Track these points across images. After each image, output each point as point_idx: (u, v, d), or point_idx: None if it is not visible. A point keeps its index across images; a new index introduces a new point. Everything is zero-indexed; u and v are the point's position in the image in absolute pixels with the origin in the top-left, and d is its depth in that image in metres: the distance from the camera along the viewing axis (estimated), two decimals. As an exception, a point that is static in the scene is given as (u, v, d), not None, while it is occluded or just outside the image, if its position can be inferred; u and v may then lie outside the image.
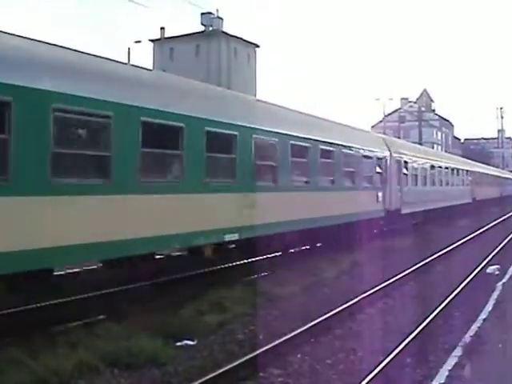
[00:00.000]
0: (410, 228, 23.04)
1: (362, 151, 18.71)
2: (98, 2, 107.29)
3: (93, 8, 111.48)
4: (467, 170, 39.27)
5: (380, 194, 20.19)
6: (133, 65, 11.76)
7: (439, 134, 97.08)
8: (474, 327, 8.84)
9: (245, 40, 64.16)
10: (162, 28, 60.85)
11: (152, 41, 62.64)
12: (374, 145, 20.71)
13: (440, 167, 30.54)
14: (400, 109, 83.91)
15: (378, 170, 20.12)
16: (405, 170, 23.38)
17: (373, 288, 11.77)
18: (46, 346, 7.55)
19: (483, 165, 53.03)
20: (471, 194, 38.78)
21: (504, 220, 35.17)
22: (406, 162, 23.65)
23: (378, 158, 20.36)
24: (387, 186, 20.90)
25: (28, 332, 7.85)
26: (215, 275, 12.68)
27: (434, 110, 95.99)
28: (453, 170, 33.95)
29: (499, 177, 55.55)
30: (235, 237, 11.69)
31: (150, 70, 12.22)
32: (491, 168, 57.15)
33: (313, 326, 9.03)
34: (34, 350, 7.30)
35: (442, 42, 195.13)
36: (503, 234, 24.14)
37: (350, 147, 17.79)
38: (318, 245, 17.18)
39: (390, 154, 21.75)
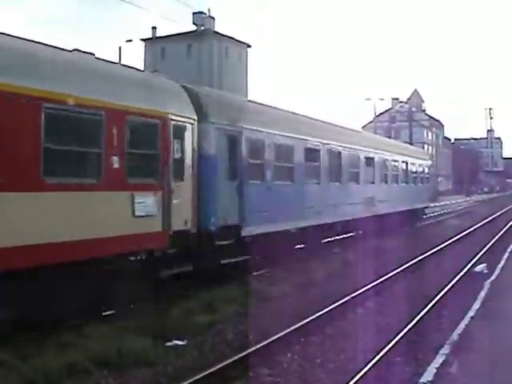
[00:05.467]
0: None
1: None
2: (90, 0, 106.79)
3: (84, 6, 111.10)
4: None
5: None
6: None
7: (430, 134, 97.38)
8: (462, 325, 8.91)
9: (236, 39, 64.10)
10: (154, 27, 60.80)
11: (143, 40, 62.50)
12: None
13: None
14: (391, 109, 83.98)
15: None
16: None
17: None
18: (35, 347, 7.52)
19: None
20: None
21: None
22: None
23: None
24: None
25: (17, 333, 7.82)
26: (207, 274, 12.66)
27: (424, 110, 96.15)
28: None
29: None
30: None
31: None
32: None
33: (303, 325, 9.07)
34: (22, 352, 7.27)
35: (433, 42, 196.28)
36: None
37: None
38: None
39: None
